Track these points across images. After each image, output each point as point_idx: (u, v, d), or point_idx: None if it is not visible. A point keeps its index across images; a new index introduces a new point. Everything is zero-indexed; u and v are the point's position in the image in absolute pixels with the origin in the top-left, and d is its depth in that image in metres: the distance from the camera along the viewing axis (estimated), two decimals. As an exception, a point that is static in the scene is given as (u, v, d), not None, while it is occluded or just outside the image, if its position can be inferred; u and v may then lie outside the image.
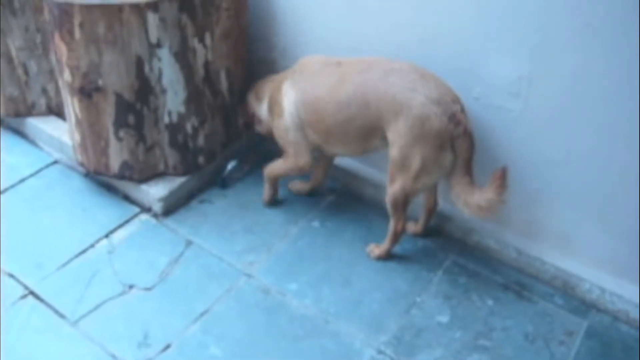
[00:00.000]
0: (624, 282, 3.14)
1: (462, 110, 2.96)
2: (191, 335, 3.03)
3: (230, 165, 3.88)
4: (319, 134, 3.25)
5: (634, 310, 3.09)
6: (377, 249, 3.38)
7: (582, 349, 3.01)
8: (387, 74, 3.02)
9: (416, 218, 3.51)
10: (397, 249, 3.39)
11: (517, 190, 3.23)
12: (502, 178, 2.86)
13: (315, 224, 3.61)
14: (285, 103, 3.32)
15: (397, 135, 2.97)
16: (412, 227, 3.51)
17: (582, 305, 3.22)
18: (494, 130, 3.15)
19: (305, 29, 3.61)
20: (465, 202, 2.98)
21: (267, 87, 3.55)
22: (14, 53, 3.94)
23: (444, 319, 3.13)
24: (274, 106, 3.43)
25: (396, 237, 3.31)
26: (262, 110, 3.58)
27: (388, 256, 3.38)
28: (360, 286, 3.25)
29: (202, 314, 3.12)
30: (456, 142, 2.93)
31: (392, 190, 3.12)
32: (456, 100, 2.96)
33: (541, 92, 2.92)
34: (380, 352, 2.98)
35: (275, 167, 3.54)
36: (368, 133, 3.11)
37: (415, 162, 2.97)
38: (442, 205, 3.50)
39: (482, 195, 2.91)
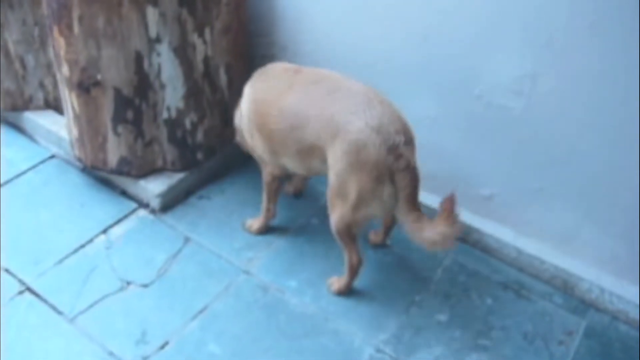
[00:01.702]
0: (624, 282, 3.14)
1: (407, 142, 2.76)
2: (189, 332, 3.02)
3: None
4: (263, 139, 3.13)
5: (633, 310, 3.10)
6: (337, 283, 3.22)
7: (581, 348, 3.01)
8: (333, 91, 2.87)
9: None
10: (396, 249, 3.38)
11: (517, 189, 3.24)
12: (451, 207, 2.69)
13: (315, 221, 3.60)
14: (243, 104, 3.24)
15: (334, 159, 2.81)
16: (372, 237, 3.45)
17: (581, 305, 3.22)
18: (495, 128, 3.14)
19: (306, 25, 3.59)
20: (420, 238, 2.78)
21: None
22: (11, 46, 3.91)
23: (443, 317, 3.13)
24: (239, 110, 3.34)
25: (353, 271, 3.14)
26: (236, 118, 3.44)
27: (349, 290, 3.22)
28: (360, 284, 3.24)
29: (200, 311, 3.11)
30: (396, 176, 2.73)
31: (333, 219, 2.97)
32: (401, 131, 2.75)
33: (544, 91, 2.91)
34: (379, 350, 2.97)
35: (264, 197, 3.44)
36: (307, 150, 2.96)
37: (352, 192, 2.80)
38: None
39: (434, 230, 2.72)
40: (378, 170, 2.72)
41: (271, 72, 3.20)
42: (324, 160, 2.91)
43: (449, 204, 2.70)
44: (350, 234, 2.99)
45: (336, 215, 2.95)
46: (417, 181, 2.79)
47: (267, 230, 3.54)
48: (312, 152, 2.94)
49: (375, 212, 2.90)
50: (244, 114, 3.24)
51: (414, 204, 2.80)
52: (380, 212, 2.91)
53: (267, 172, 3.31)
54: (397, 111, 2.84)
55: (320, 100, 2.88)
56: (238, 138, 3.50)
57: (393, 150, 2.70)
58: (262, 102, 3.09)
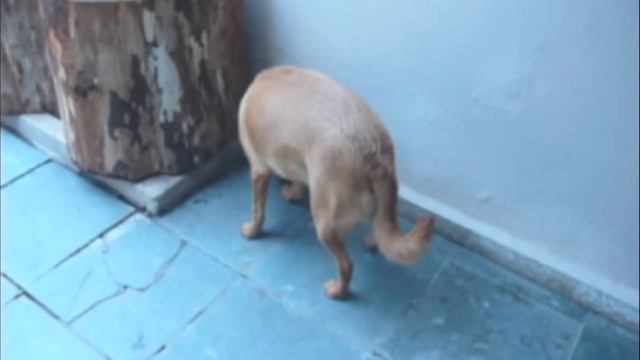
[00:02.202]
0: (621, 285, 3.14)
1: (385, 150, 2.76)
2: (186, 336, 3.01)
3: None
4: (248, 136, 3.17)
5: (630, 313, 3.09)
6: (333, 287, 3.22)
7: (579, 352, 3.01)
8: (311, 94, 2.87)
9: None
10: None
11: (514, 192, 3.24)
12: (428, 229, 2.66)
13: (311, 225, 3.53)
14: (242, 103, 3.27)
15: (312, 165, 2.82)
16: (367, 240, 3.45)
17: (578, 308, 3.21)
18: (492, 131, 3.14)
19: (302, 28, 3.59)
20: (387, 248, 2.79)
21: None
22: (7, 51, 3.91)
23: (440, 321, 3.12)
24: None
25: (346, 276, 3.14)
26: None
27: (345, 295, 3.21)
28: (357, 288, 3.24)
29: (197, 315, 3.10)
30: (374, 184, 2.72)
31: (318, 228, 2.98)
32: (378, 139, 2.73)
33: (541, 93, 2.91)
34: (376, 354, 2.97)
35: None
36: (283, 151, 2.97)
37: (332, 200, 2.80)
38: (439, 207, 3.49)
39: (404, 244, 2.72)
40: (354, 178, 2.72)
41: (270, 72, 3.23)
42: (301, 165, 2.91)
43: (427, 224, 2.68)
44: (337, 241, 2.99)
45: (321, 224, 2.95)
46: (395, 190, 2.79)
47: (259, 234, 3.53)
48: (288, 153, 2.94)
49: (357, 219, 2.89)
50: (240, 113, 3.26)
51: (390, 213, 2.79)
52: (362, 219, 2.90)
53: (253, 170, 3.32)
54: (376, 118, 2.83)
55: (297, 102, 2.89)
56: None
57: (369, 158, 2.70)
58: (249, 99, 3.15)
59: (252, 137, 3.13)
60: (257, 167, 3.28)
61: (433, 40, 3.13)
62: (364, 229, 3.11)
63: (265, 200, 3.44)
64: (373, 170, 2.70)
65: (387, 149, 2.79)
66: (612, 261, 3.13)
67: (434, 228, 2.70)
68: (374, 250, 3.37)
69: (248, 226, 3.52)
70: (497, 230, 3.40)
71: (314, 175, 2.83)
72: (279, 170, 3.16)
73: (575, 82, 2.81)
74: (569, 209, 3.14)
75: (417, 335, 3.05)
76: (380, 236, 2.81)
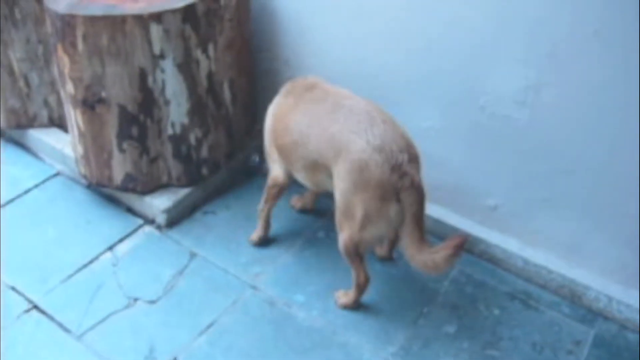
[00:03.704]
0: (632, 290, 3.13)
1: (412, 160, 2.77)
2: (198, 348, 3.01)
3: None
4: (277, 150, 3.20)
5: (641, 318, 3.10)
6: (344, 297, 3.21)
7: (590, 358, 3.00)
8: (336, 109, 2.90)
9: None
10: (403, 261, 3.32)
11: (523, 200, 3.24)
12: (458, 248, 2.68)
13: (321, 234, 3.60)
14: (268, 114, 3.29)
15: (338, 178, 2.84)
16: (378, 250, 3.43)
17: (589, 314, 3.21)
18: (500, 139, 3.14)
19: (308, 39, 3.60)
20: (412, 257, 2.80)
21: None
22: (15, 65, 3.93)
23: (451, 329, 3.12)
24: None
25: (360, 289, 3.14)
26: None
27: (356, 306, 3.21)
28: (367, 297, 3.23)
29: (208, 327, 3.10)
30: (401, 194, 2.73)
31: (341, 239, 2.96)
32: (404, 149, 2.75)
33: (548, 100, 2.91)
34: (388, 363, 2.97)
35: (261, 199, 3.44)
36: (312, 166, 3.00)
37: (359, 212, 2.80)
38: (447, 215, 3.49)
39: (431, 256, 2.73)
40: (382, 189, 2.72)
41: (292, 87, 3.23)
42: (330, 175, 2.92)
43: (459, 243, 2.70)
44: (359, 253, 2.99)
45: (345, 236, 2.94)
46: (423, 199, 2.79)
47: (265, 241, 3.55)
48: (317, 167, 2.97)
49: (383, 231, 2.90)
50: (266, 125, 3.29)
51: (419, 223, 2.80)
52: (388, 231, 2.92)
53: (272, 177, 3.33)
54: (401, 129, 2.84)
55: (321, 118, 2.91)
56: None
57: (397, 168, 2.71)
58: (274, 117, 3.18)
59: (281, 152, 3.16)
60: (277, 175, 3.30)
61: (439, 49, 3.14)
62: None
63: (273, 206, 3.45)
64: (400, 181, 2.71)
65: (413, 158, 2.80)
66: (622, 267, 3.12)
67: (463, 248, 2.72)
68: (384, 259, 3.38)
69: (254, 234, 3.54)
70: (505, 238, 3.40)
71: (339, 188, 2.84)
72: (307, 183, 3.20)
73: (582, 89, 2.82)
74: (578, 216, 3.14)
75: (428, 343, 3.05)
76: (408, 245, 2.81)
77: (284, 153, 3.13)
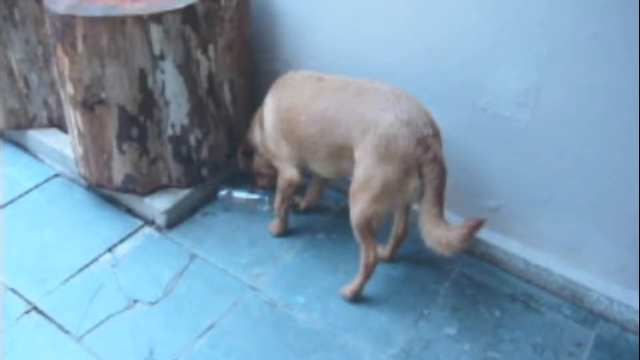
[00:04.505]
0: (633, 292, 3.13)
1: (435, 135, 2.85)
2: (198, 350, 3.00)
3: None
4: (292, 145, 3.20)
5: (642, 320, 3.09)
6: (347, 289, 3.24)
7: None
8: (360, 92, 2.97)
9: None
10: (403, 261, 3.37)
11: (524, 201, 3.24)
12: (473, 229, 2.75)
13: (321, 236, 3.59)
14: (266, 113, 3.31)
15: (363, 154, 2.88)
16: (380, 251, 3.38)
17: (590, 316, 3.20)
18: (501, 140, 3.14)
19: (308, 40, 3.60)
20: (428, 232, 2.85)
21: (255, 116, 3.55)
22: (14, 65, 3.92)
23: (452, 331, 3.11)
24: (260, 121, 3.42)
25: (367, 271, 3.14)
26: (256, 137, 3.53)
27: (360, 294, 3.23)
28: (368, 299, 3.23)
29: (208, 329, 3.09)
30: (424, 168, 2.80)
31: (354, 212, 2.99)
32: (429, 124, 2.84)
33: (549, 102, 2.91)
34: (388, 365, 2.97)
35: (276, 199, 3.47)
36: (337, 152, 3.04)
37: (377, 184, 2.85)
38: (448, 216, 3.47)
39: (445, 233, 2.79)
40: (406, 163, 2.79)
41: (292, 81, 3.26)
42: (352, 160, 2.96)
43: (474, 224, 2.75)
44: (370, 227, 3.02)
45: (357, 209, 2.97)
46: (445, 174, 2.86)
47: (286, 230, 3.59)
48: (343, 153, 3.01)
49: (397, 205, 2.98)
50: (268, 124, 3.29)
51: (439, 198, 2.86)
52: (402, 204, 3.00)
53: (285, 178, 3.33)
54: (424, 106, 2.91)
55: (349, 103, 2.96)
56: (256, 160, 3.63)
57: (422, 142, 2.78)
58: (290, 110, 3.16)
59: (299, 146, 3.17)
60: (291, 175, 3.31)
61: (440, 50, 3.14)
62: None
63: (291, 203, 3.52)
64: (424, 154, 2.78)
65: (436, 133, 2.88)
66: (623, 268, 3.12)
67: (478, 230, 2.77)
68: (385, 260, 3.37)
69: (275, 224, 3.58)
70: (506, 239, 3.40)
71: (363, 163, 2.88)
72: (325, 172, 3.24)
73: (583, 90, 2.81)
74: (579, 217, 3.13)
75: (429, 345, 3.04)
76: (426, 221, 2.86)
77: (305, 145, 3.14)
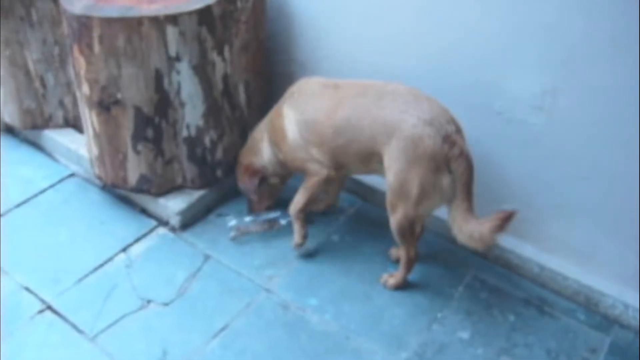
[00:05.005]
0: (648, 298, 3.11)
1: (458, 131, 2.90)
2: (210, 351, 3.00)
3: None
4: (324, 155, 3.19)
5: (658, 326, 3.07)
6: (391, 279, 3.30)
7: (606, 366, 2.99)
8: (380, 97, 2.98)
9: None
10: (417, 265, 3.35)
11: (538, 205, 3.22)
12: (505, 221, 2.76)
13: (335, 238, 3.59)
14: (287, 124, 3.26)
15: (391, 159, 2.91)
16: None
17: (604, 321, 3.18)
18: (516, 144, 3.13)
19: (324, 42, 3.60)
20: (459, 228, 2.89)
21: (257, 135, 3.52)
22: (31, 65, 3.94)
23: (465, 335, 3.10)
24: (277, 134, 3.34)
25: (410, 265, 3.24)
26: (264, 155, 3.49)
27: (405, 285, 3.30)
28: (381, 301, 3.23)
29: (221, 330, 3.10)
30: (452, 164, 2.84)
31: (396, 219, 3.04)
32: (451, 121, 2.89)
33: (565, 106, 2.90)
34: (401, 368, 2.96)
35: (299, 200, 3.40)
36: (367, 157, 3.06)
37: (414, 187, 2.89)
38: (462, 219, 3.47)
39: (477, 227, 2.82)
40: (436, 161, 2.83)
41: (308, 90, 3.25)
42: (382, 161, 2.98)
43: (506, 217, 2.77)
44: (412, 230, 3.09)
45: (399, 215, 3.01)
46: (472, 169, 2.90)
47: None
48: (371, 157, 3.04)
49: (436, 204, 2.98)
50: (293, 136, 3.24)
51: (468, 193, 2.89)
52: (440, 203, 2.98)
53: (322, 177, 3.28)
54: (443, 104, 2.93)
55: (370, 108, 2.98)
56: (271, 180, 3.58)
57: (447, 139, 2.83)
58: (315, 123, 3.15)
59: (332, 154, 3.16)
60: (328, 171, 3.25)
61: (455, 53, 3.13)
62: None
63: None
64: (451, 150, 2.82)
65: (459, 129, 2.92)
66: (638, 274, 3.09)
67: (510, 222, 2.77)
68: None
69: (298, 237, 3.48)
70: (521, 243, 3.38)
71: (393, 169, 2.91)
72: (360, 172, 3.33)
73: (600, 93, 2.80)
74: (594, 222, 3.11)
75: (442, 349, 3.03)
76: (456, 217, 2.90)
77: (337, 154, 3.14)
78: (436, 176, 2.85)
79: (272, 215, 3.64)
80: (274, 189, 3.68)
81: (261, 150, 3.50)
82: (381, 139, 2.92)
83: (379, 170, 3.08)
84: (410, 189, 2.90)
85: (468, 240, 2.86)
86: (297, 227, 3.46)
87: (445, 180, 2.87)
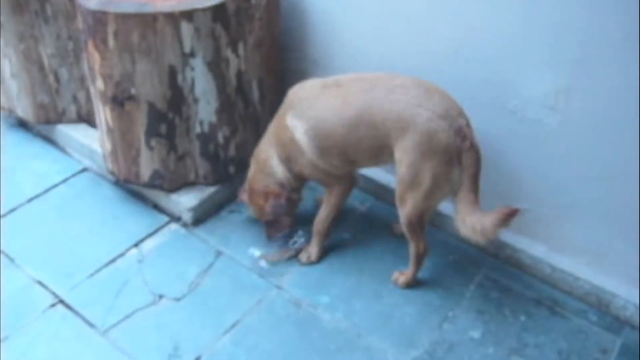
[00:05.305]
0: (660, 299, 3.10)
1: (468, 124, 2.91)
2: (222, 347, 3.01)
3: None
4: (336, 157, 3.13)
5: (669, 328, 3.06)
6: (402, 277, 3.30)
7: (617, 367, 2.98)
8: (390, 91, 2.94)
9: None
10: (428, 263, 3.35)
11: (550, 205, 3.21)
12: (508, 216, 2.74)
13: (346, 236, 3.59)
14: (298, 136, 3.14)
15: (404, 153, 2.90)
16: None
17: (616, 322, 3.18)
18: (529, 143, 3.12)
19: (337, 39, 3.60)
20: (463, 219, 2.89)
21: (262, 155, 3.37)
22: (45, 60, 3.96)
23: (476, 334, 3.10)
24: (289, 149, 3.22)
25: (420, 261, 3.24)
26: (278, 173, 3.34)
27: (415, 282, 3.30)
28: (392, 300, 3.23)
29: (232, 326, 3.11)
30: (463, 156, 2.86)
31: (405, 211, 3.05)
32: (461, 113, 2.90)
33: (579, 106, 2.89)
34: (412, 367, 2.96)
35: (328, 216, 3.38)
36: (378, 151, 3.04)
37: (426, 180, 2.90)
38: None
39: (480, 219, 2.81)
40: (449, 154, 2.85)
41: (309, 94, 3.15)
42: (392, 154, 2.98)
43: (510, 212, 2.75)
44: (422, 222, 3.11)
45: (409, 207, 3.02)
46: (480, 161, 2.92)
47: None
48: (383, 151, 3.02)
49: (446, 195, 3.00)
50: (308, 147, 3.14)
51: (475, 184, 2.92)
52: (449, 195, 2.99)
53: (348, 185, 3.33)
54: (450, 95, 2.94)
55: (381, 103, 2.94)
56: (292, 196, 3.42)
57: (459, 132, 2.85)
58: (324, 126, 3.07)
59: (345, 155, 3.11)
60: (351, 179, 3.32)
61: (469, 52, 3.13)
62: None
63: None
64: (462, 143, 2.85)
65: (468, 122, 2.93)
66: (651, 275, 3.10)
67: (513, 218, 2.76)
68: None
69: (314, 252, 3.47)
70: (532, 243, 3.38)
71: (405, 162, 2.91)
72: (367, 165, 3.36)
73: (613, 94, 2.79)
74: (606, 222, 3.10)
75: (452, 348, 3.03)
76: (461, 208, 2.92)
77: (349, 152, 3.09)
78: (448, 169, 2.87)
79: (295, 238, 3.55)
80: (294, 204, 3.49)
81: (273, 169, 3.34)
82: (394, 133, 2.91)
83: (387, 161, 3.09)
84: (422, 182, 2.91)
85: (470, 232, 2.87)
86: (317, 242, 3.45)
87: (455, 173, 2.89)
